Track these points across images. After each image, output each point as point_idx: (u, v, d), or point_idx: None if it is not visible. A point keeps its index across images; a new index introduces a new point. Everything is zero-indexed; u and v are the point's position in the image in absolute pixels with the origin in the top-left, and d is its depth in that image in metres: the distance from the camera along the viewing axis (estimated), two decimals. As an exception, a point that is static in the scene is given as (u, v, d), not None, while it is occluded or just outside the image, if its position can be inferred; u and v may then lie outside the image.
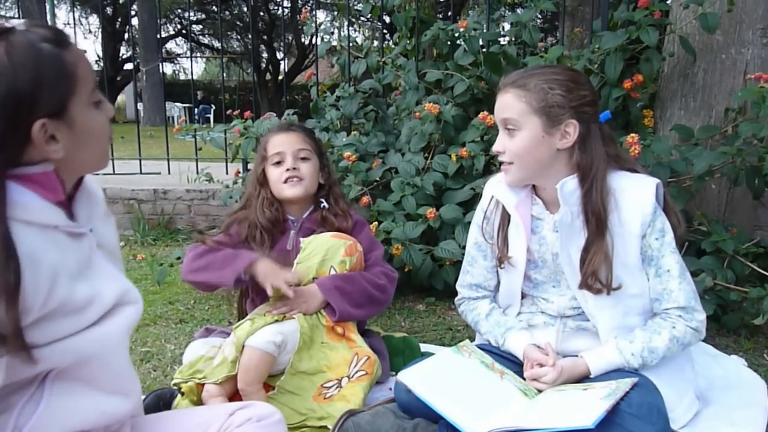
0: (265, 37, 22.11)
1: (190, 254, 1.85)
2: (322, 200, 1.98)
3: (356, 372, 1.73)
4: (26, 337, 0.88)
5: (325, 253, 1.81)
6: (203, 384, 1.65)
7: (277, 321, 1.70)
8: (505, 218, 1.65)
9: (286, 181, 1.91)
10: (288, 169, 1.91)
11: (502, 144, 1.55)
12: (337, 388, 1.69)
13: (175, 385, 1.71)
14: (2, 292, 0.84)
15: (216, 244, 1.87)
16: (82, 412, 1.01)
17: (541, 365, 1.52)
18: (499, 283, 1.73)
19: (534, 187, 1.62)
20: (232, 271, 1.73)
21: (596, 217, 1.49)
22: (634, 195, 1.51)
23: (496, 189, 1.65)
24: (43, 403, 0.97)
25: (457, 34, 3.12)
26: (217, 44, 23.40)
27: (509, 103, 1.51)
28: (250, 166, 3.06)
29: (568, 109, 1.48)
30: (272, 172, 1.94)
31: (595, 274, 1.49)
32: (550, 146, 1.50)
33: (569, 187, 1.51)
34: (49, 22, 7.94)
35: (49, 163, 0.95)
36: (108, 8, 21.15)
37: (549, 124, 1.48)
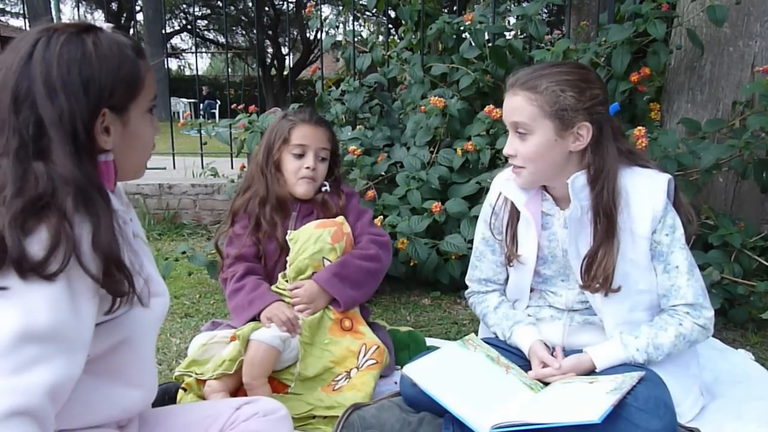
0: (270, 32, 22.12)
1: (225, 288, 1.88)
2: (326, 184, 2.00)
3: (366, 362, 1.72)
4: None
5: (314, 245, 1.82)
6: (204, 380, 1.65)
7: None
8: (514, 215, 1.64)
9: (301, 178, 1.93)
10: (307, 167, 1.92)
11: (513, 147, 1.52)
12: (346, 379, 1.69)
13: (176, 378, 1.72)
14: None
15: (231, 262, 1.89)
16: (102, 405, 1.02)
17: (545, 365, 1.52)
18: (508, 277, 1.72)
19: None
20: (242, 320, 1.76)
21: (607, 218, 1.47)
22: (645, 194, 1.49)
23: (504, 187, 1.63)
24: None
25: (462, 28, 3.11)
26: (222, 39, 23.41)
27: (520, 107, 1.48)
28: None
29: (581, 112, 1.45)
30: (290, 162, 1.94)
31: (607, 278, 1.47)
32: (562, 149, 1.48)
33: (580, 182, 1.49)
34: (54, 18, 7.96)
35: (110, 153, 0.99)
36: (113, 4, 21.17)
37: (562, 128, 1.45)
